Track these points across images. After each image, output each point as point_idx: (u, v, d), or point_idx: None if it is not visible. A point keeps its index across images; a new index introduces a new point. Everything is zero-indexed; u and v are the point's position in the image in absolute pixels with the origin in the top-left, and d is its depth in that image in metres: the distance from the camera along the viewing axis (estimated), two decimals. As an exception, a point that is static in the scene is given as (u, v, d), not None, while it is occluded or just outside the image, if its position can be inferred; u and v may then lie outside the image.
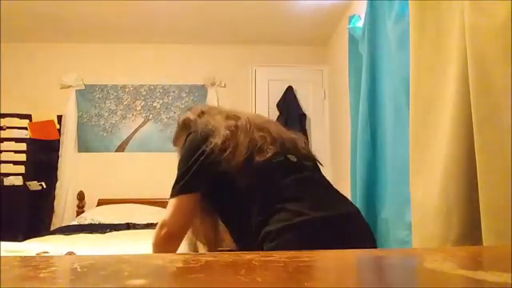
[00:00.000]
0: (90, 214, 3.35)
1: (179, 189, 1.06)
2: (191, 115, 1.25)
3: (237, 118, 1.13)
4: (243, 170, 1.01)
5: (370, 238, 1.07)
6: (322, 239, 0.93)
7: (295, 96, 3.83)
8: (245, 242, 1.08)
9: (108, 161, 3.79)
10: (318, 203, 1.01)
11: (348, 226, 1.02)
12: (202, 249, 1.24)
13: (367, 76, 2.22)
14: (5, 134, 3.55)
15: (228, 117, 1.14)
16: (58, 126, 3.76)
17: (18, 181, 3.48)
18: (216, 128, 1.09)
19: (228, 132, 1.07)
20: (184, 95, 3.89)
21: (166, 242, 1.05)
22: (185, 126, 1.26)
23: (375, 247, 1.11)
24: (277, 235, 0.92)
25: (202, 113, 1.23)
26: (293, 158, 1.09)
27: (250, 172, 1.02)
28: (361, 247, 0.89)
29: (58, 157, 3.72)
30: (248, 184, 1.02)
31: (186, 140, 1.15)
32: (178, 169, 1.10)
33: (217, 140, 1.05)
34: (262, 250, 0.94)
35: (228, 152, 1.03)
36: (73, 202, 3.69)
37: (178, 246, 1.08)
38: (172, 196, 1.06)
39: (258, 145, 1.06)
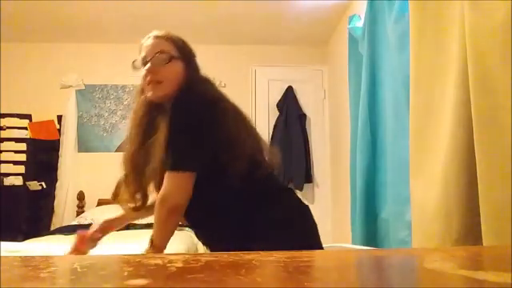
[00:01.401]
0: (90, 213, 3.35)
1: (188, 164, 1.03)
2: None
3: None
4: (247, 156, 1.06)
5: None
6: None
7: (295, 96, 3.83)
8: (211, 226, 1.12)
9: (108, 161, 3.79)
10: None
11: None
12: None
13: (367, 76, 2.22)
14: (5, 134, 3.55)
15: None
16: (58, 126, 3.76)
17: (18, 181, 3.48)
18: (224, 97, 1.13)
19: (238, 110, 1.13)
20: (184, 95, 3.89)
21: (170, 216, 1.04)
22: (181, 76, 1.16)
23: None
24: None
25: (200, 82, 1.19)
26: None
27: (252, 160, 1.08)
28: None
29: (58, 157, 3.72)
30: (242, 173, 1.04)
31: (187, 99, 1.09)
32: (182, 133, 1.05)
33: (230, 114, 1.10)
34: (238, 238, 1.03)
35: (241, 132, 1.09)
36: (73, 202, 3.68)
37: (178, 223, 1.08)
38: (176, 169, 1.03)
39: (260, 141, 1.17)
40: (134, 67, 1.19)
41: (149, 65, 1.13)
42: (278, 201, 1.11)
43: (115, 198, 1.24)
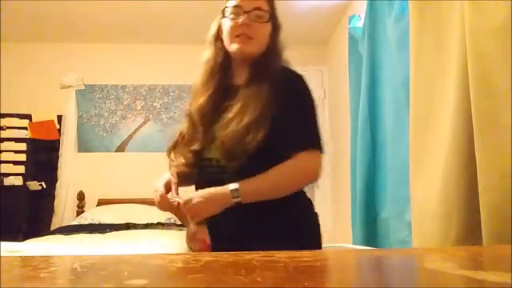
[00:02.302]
0: (90, 214, 3.35)
1: (321, 147, 1.08)
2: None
3: None
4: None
5: None
6: None
7: (295, 96, 3.83)
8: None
9: (108, 161, 3.79)
10: None
11: None
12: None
13: (367, 76, 2.22)
14: (5, 133, 3.56)
15: None
16: (58, 126, 3.76)
17: (17, 181, 3.48)
18: None
19: None
20: (184, 95, 3.89)
21: (302, 186, 1.09)
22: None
23: None
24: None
25: None
26: None
27: None
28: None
29: (58, 157, 3.72)
30: None
31: (303, 85, 1.13)
32: (309, 116, 1.11)
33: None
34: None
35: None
36: (73, 202, 3.69)
37: None
38: (316, 148, 1.06)
39: None
40: (223, 14, 1.14)
41: (245, 17, 1.08)
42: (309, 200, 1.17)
43: (171, 151, 1.16)
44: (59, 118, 3.77)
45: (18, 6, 3.10)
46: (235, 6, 1.11)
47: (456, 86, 1.19)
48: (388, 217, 2.00)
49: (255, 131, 0.99)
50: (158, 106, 3.91)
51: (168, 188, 1.08)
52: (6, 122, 3.58)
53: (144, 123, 3.89)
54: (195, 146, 1.08)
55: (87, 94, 3.88)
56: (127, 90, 3.92)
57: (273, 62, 1.11)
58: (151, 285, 0.30)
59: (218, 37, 1.15)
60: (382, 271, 0.40)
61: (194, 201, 1.00)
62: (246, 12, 1.09)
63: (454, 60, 1.22)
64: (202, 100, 1.10)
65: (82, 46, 3.90)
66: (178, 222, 2.94)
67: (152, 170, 3.64)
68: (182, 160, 1.10)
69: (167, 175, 1.11)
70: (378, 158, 2.15)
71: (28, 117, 3.67)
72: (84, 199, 3.69)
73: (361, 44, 2.42)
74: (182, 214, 1.04)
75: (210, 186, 1.02)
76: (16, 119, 3.62)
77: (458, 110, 1.17)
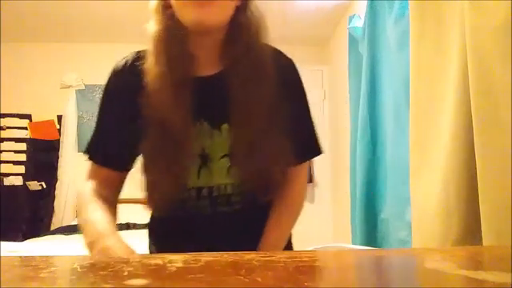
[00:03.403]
0: (90, 214, 3.34)
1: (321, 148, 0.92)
2: None
3: None
4: None
5: None
6: None
7: (295, 96, 3.83)
8: None
9: (108, 161, 3.79)
10: None
11: None
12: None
13: (367, 76, 2.22)
14: (5, 133, 3.56)
15: None
16: (58, 126, 3.76)
17: (17, 181, 3.48)
18: None
19: None
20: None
21: None
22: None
23: None
24: None
25: None
26: None
27: None
28: None
29: (58, 157, 3.72)
30: None
31: (298, 74, 0.91)
32: (310, 116, 0.90)
33: None
34: None
35: None
36: (73, 202, 3.68)
37: None
38: (319, 153, 0.90)
39: None
40: None
41: None
42: None
43: (97, 158, 0.85)
44: (59, 117, 3.77)
45: (18, 5, 3.10)
46: None
47: (456, 86, 1.19)
48: (388, 217, 2.00)
49: (282, 154, 0.79)
50: (158, 106, 3.91)
51: None
52: (5, 122, 3.58)
53: (144, 123, 3.89)
54: (176, 169, 0.77)
55: (87, 94, 3.88)
56: (127, 90, 3.92)
57: (252, 36, 0.81)
58: (151, 285, 0.30)
59: (165, 4, 0.80)
60: (382, 271, 0.40)
61: None
62: None
63: (454, 60, 1.22)
64: (167, 99, 0.75)
65: (82, 45, 3.90)
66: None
67: (152, 170, 3.66)
68: (157, 191, 0.80)
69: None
70: (378, 158, 2.15)
71: (28, 117, 3.67)
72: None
73: (361, 44, 2.42)
74: None
75: (201, 226, 0.80)
76: (16, 119, 3.62)
77: (458, 110, 1.17)
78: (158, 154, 0.78)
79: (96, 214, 0.74)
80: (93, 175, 0.84)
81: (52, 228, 3.47)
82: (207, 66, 0.81)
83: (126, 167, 0.87)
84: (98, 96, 3.89)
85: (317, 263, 0.41)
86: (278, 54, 0.89)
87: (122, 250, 0.64)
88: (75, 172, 3.69)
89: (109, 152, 0.84)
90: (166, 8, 0.79)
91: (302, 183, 0.91)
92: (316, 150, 0.91)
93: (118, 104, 0.82)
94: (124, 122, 0.79)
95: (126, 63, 0.86)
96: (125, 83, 0.81)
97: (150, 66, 0.78)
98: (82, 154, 0.90)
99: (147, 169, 0.83)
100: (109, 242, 0.66)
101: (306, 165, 0.91)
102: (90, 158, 0.85)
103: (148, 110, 0.75)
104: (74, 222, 3.21)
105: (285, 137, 0.79)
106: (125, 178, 0.88)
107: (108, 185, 0.83)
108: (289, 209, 0.87)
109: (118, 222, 0.85)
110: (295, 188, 0.89)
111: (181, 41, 0.78)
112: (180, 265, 0.35)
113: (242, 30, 0.80)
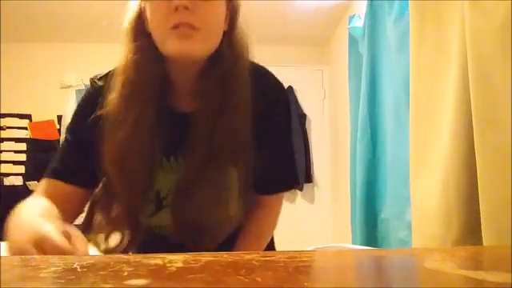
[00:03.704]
0: (90, 214, 3.35)
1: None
2: None
3: None
4: None
5: None
6: None
7: (295, 96, 3.83)
8: None
9: (108, 161, 3.79)
10: None
11: None
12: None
13: (367, 76, 2.22)
14: (5, 133, 3.56)
15: None
16: (58, 126, 3.76)
17: (17, 181, 3.48)
18: None
19: None
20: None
21: None
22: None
23: None
24: None
25: None
26: None
27: None
28: None
29: (58, 157, 3.72)
30: None
31: (286, 102, 0.83)
32: (293, 149, 0.83)
33: None
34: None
35: None
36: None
37: None
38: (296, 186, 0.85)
39: None
40: None
41: None
42: None
43: (89, 231, 0.76)
44: (59, 117, 3.77)
45: (18, 5, 3.10)
46: None
47: (456, 86, 1.19)
48: (388, 217, 2.00)
49: (222, 206, 0.71)
50: (158, 106, 3.91)
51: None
52: (5, 122, 3.58)
53: (144, 123, 3.89)
54: (129, 209, 0.71)
55: (87, 94, 3.88)
56: (127, 90, 3.92)
57: (237, 64, 0.73)
58: (151, 285, 0.30)
59: (141, 28, 0.73)
60: (382, 271, 0.40)
61: None
62: None
63: (454, 60, 1.22)
64: (133, 136, 0.68)
65: (82, 45, 3.90)
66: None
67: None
68: (120, 232, 0.72)
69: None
70: (378, 158, 2.15)
71: (28, 117, 3.67)
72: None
73: (361, 44, 2.42)
74: None
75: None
76: (16, 119, 3.62)
77: (458, 109, 1.17)
78: (116, 191, 0.71)
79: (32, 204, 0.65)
80: (47, 192, 0.72)
81: (52, 228, 3.47)
82: (183, 101, 0.74)
83: (88, 183, 0.75)
84: (97, 96, 3.90)
85: (317, 263, 0.41)
86: (265, 80, 0.80)
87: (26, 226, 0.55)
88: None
89: (71, 167, 0.75)
90: (142, 34, 0.72)
91: (274, 214, 0.84)
92: (292, 184, 0.85)
93: (81, 131, 0.75)
94: (87, 148, 0.71)
95: (96, 91, 0.79)
96: (90, 113, 0.72)
97: (119, 97, 0.70)
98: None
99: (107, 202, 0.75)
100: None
101: (281, 195, 0.84)
102: (49, 175, 0.74)
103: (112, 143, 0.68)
104: (75, 222, 3.21)
105: (238, 187, 0.71)
106: (85, 199, 0.76)
107: (64, 200, 0.71)
108: (255, 238, 0.81)
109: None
110: (266, 219, 0.82)
111: (160, 73, 0.71)
112: (180, 265, 0.35)
113: (221, 59, 0.72)
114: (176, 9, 0.64)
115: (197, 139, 0.69)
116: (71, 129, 0.78)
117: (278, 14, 3.33)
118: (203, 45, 0.68)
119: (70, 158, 0.75)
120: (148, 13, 0.70)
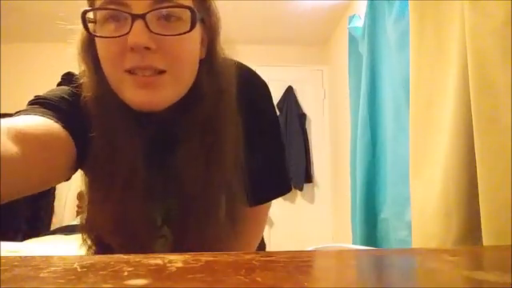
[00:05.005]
0: (90, 213, 3.34)
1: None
2: None
3: None
4: None
5: None
6: None
7: (295, 96, 3.83)
8: None
9: (108, 161, 3.79)
10: None
11: None
12: None
13: (367, 76, 2.22)
14: (5, 133, 3.56)
15: None
16: (57, 126, 3.77)
17: (17, 181, 3.48)
18: None
19: None
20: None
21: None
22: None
23: None
24: None
25: None
26: None
27: None
28: None
29: (58, 157, 3.72)
30: None
31: (271, 104, 0.74)
32: (283, 154, 0.77)
33: None
34: None
35: None
36: (73, 202, 3.68)
37: None
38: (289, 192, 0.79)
39: None
40: (84, 22, 0.58)
41: (139, 28, 0.50)
42: None
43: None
44: (59, 118, 3.78)
45: (18, 5, 3.10)
46: (113, 3, 0.53)
47: (456, 86, 1.19)
48: (388, 217, 2.00)
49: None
50: (158, 106, 3.91)
51: None
52: (5, 122, 3.58)
53: (144, 123, 3.88)
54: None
55: (87, 94, 3.88)
56: (127, 89, 3.92)
57: (222, 99, 0.61)
58: (151, 285, 0.30)
59: (95, 55, 0.60)
60: (382, 271, 0.40)
61: None
62: (137, 17, 0.50)
63: (454, 60, 1.22)
64: (126, 199, 0.61)
65: (82, 45, 3.90)
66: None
67: (152, 169, 3.66)
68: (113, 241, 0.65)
69: None
70: (378, 158, 2.15)
71: (28, 117, 3.68)
72: (84, 199, 3.68)
73: (361, 44, 2.42)
74: None
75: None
76: (16, 119, 3.62)
77: (458, 109, 1.17)
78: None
79: None
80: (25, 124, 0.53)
81: (52, 228, 3.47)
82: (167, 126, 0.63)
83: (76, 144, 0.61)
84: (97, 96, 3.90)
85: (317, 263, 0.41)
86: (248, 81, 0.68)
87: None
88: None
89: (64, 111, 0.63)
90: (95, 73, 0.59)
91: (260, 223, 0.80)
92: (284, 191, 0.78)
93: (72, 120, 0.62)
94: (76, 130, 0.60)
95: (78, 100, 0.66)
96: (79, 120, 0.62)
97: (99, 136, 0.59)
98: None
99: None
100: None
101: (268, 204, 0.79)
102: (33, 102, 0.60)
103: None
104: (74, 222, 3.21)
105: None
106: (66, 165, 0.61)
107: (47, 146, 0.54)
108: (243, 244, 0.77)
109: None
110: (251, 227, 0.77)
111: (125, 111, 0.56)
112: (180, 265, 0.35)
113: (201, 95, 0.59)
114: (131, 49, 0.50)
115: (186, 180, 0.61)
116: (61, 109, 0.64)
117: (277, 14, 3.33)
118: (172, 89, 0.54)
119: (63, 109, 0.62)
120: (100, 51, 0.56)
